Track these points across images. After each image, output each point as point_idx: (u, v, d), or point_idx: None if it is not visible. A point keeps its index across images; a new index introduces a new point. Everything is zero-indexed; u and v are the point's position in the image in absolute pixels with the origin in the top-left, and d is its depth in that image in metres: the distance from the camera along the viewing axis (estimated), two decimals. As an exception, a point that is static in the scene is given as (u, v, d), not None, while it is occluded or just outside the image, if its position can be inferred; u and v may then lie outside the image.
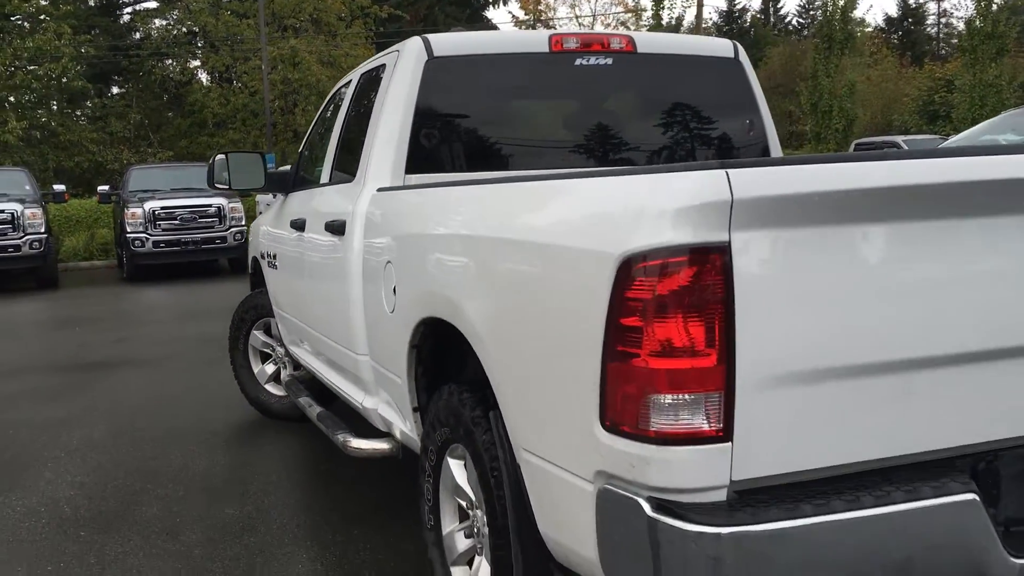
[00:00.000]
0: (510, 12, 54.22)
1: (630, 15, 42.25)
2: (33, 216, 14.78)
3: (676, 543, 1.88)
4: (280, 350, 5.72)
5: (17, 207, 14.69)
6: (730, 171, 1.84)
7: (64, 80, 27.19)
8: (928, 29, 59.23)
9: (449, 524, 2.97)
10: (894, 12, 58.89)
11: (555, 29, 4.62)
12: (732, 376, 1.88)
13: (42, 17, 28.27)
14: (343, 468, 4.87)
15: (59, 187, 16.95)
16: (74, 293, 14.71)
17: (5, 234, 14.56)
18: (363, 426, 3.98)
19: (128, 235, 15.07)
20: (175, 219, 15.20)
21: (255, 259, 5.96)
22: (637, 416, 1.92)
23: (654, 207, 1.90)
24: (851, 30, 26.74)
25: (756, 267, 1.88)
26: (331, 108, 4.85)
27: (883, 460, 2.03)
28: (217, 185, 5.01)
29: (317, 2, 32.43)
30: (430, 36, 3.86)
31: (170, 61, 33.38)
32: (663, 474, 1.91)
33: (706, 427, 1.89)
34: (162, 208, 15.17)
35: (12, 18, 27.37)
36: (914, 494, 1.96)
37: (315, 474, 4.93)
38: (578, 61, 3.99)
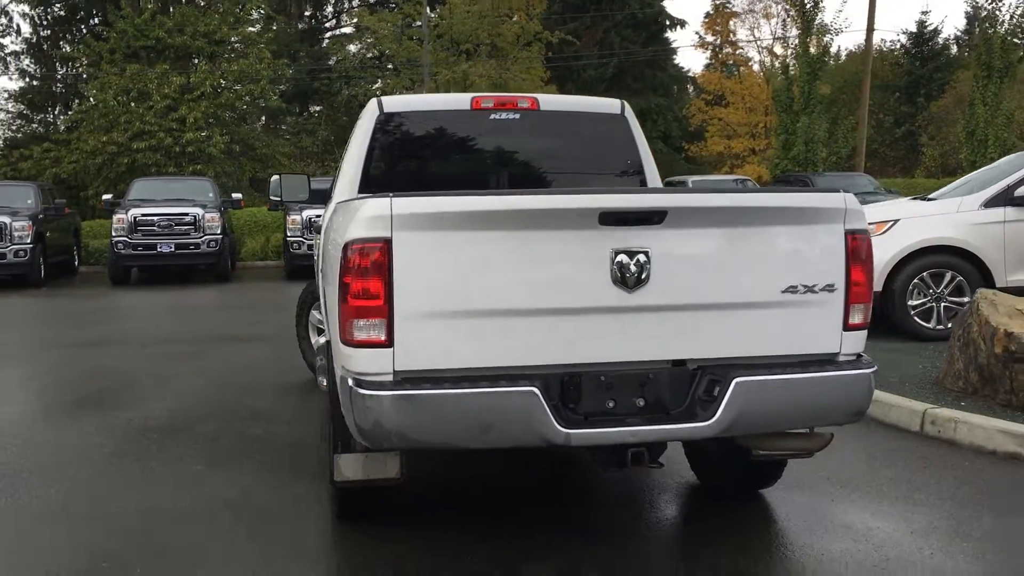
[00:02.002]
0: (696, 32, 54.61)
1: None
2: (212, 219, 17.48)
3: (363, 401, 3.45)
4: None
5: (199, 211, 17.45)
6: (393, 199, 3.41)
7: (261, 100, 30.70)
8: None
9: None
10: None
11: (478, 93, 6.36)
12: (392, 311, 3.43)
13: (234, 40, 31.78)
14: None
15: (236, 195, 19.72)
16: (240, 287, 17.31)
17: (188, 234, 17.32)
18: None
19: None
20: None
21: None
22: (349, 333, 3.51)
23: (358, 217, 3.49)
24: (1012, 59, 26.31)
25: (407, 252, 3.43)
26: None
27: (489, 368, 3.51)
28: (272, 198, 6.84)
29: (491, 28, 34.62)
30: (384, 98, 5.54)
31: (348, 87, 36.41)
32: (359, 365, 3.50)
33: (379, 339, 3.46)
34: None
35: (221, 44, 31.06)
36: (496, 384, 3.44)
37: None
38: (492, 116, 5.55)
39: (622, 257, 3.52)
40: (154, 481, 5.15)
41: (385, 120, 5.45)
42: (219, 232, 17.55)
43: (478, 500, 4.88)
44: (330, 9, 46.01)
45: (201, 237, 17.37)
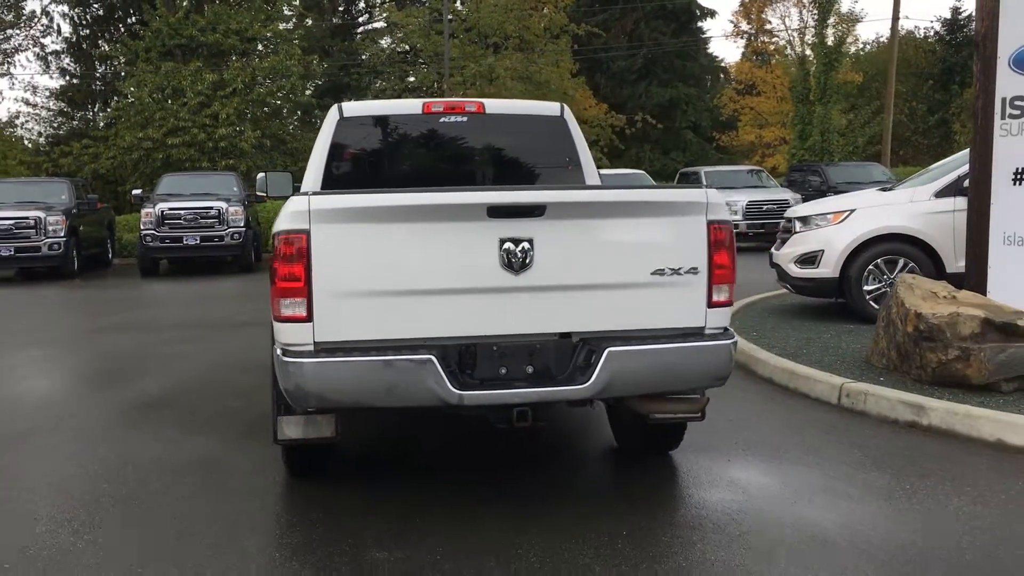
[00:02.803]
0: (730, 21, 54.43)
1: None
2: (235, 213, 18.28)
3: (286, 367, 4.10)
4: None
5: (223, 205, 18.27)
6: (311, 197, 4.06)
7: (292, 96, 31.59)
8: None
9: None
10: None
11: (433, 98, 7.08)
12: (311, 292, 4.07)
13: (269, 34, 32.65)
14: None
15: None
16: (262, 277, 18.05)
17: (212, 227, 18.15)
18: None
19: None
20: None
21: None
22: (277, 310, 4.15)
23: (283, 213, 4.14)
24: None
25: (324, 241, 4.06)
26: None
27: (394, 340, 4.14)
28: (259, 193, 7.52)
29: (519, 21, 35.14)
30: (344, 104, 6.19)
31: (379, 82, 37.19)
32: (285, 337, 4.15)
33: (300, 314, 4.10)
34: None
35: (253, 41, 31.96)
36: (399, 353, 4.07)
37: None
38: (442, 119, 6.18)
39: (508, 245, 4.12)
40: (136, 442, 5.85)
41: (345, 123, 6.10)
42: (242, 225, 18.33)
43: (413, 461, 5.53)
44: (362, 4, 46.82)
45: (225, 230, 18.18)
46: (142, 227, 18.24)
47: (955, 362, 6.22)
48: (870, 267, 9.01)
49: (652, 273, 4.27)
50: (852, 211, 9.19)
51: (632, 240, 4.28)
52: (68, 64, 37.74)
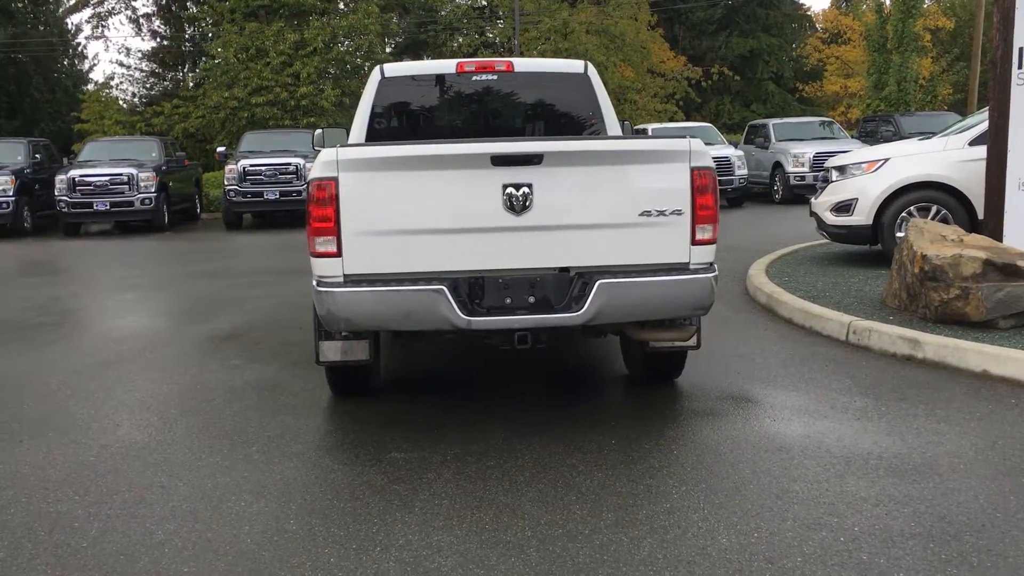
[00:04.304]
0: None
1: None
2: (311, 168, 19.15)
3: (320, 296, 4.79)
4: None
5: (300, 161, 19.17)
6: (339, 149, 4.71)
7: (371, 54, 32.37)
8: None
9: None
10: None
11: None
12: (340, 230, 4.73)
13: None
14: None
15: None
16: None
17: (291, 182, 19.10)
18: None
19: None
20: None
21: None
22: (313, 247, 4.83)
23: (315, 163, 4.80)
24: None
25: (350, 187, 4.71)
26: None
27: (411, 273, 4.77)
28: (316, 147, 8.22)
29: (594, -27, 35.16)
30: (385, 65, 6.81)
31: (457, 37, 37.71)
32: (320, 270, 4.83)
33: (332, 251, 4.77)
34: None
35: (333, 0, 32.76)
36: (416, 284, 4.71)
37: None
38: (474, 78, 6.76)
39: (510, 190, 4.70)
40: (205, 368, 6.66)
41: (385, 83, 6.72)
42: (319, 179, 19.18)
43: (438, 384, 6.21)
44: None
45: (302, 185, 19.08)
46: (226, 183, 19.28)
47: (955, 300, 6.60)
48: (903, 214, 9.31)
49: (640, 214, 4.80)
50: (886, 160, 9.48)
51: (622, 185, 4.82)
52: (159, 26, 39.18)
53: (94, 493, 4.31)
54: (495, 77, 6.77)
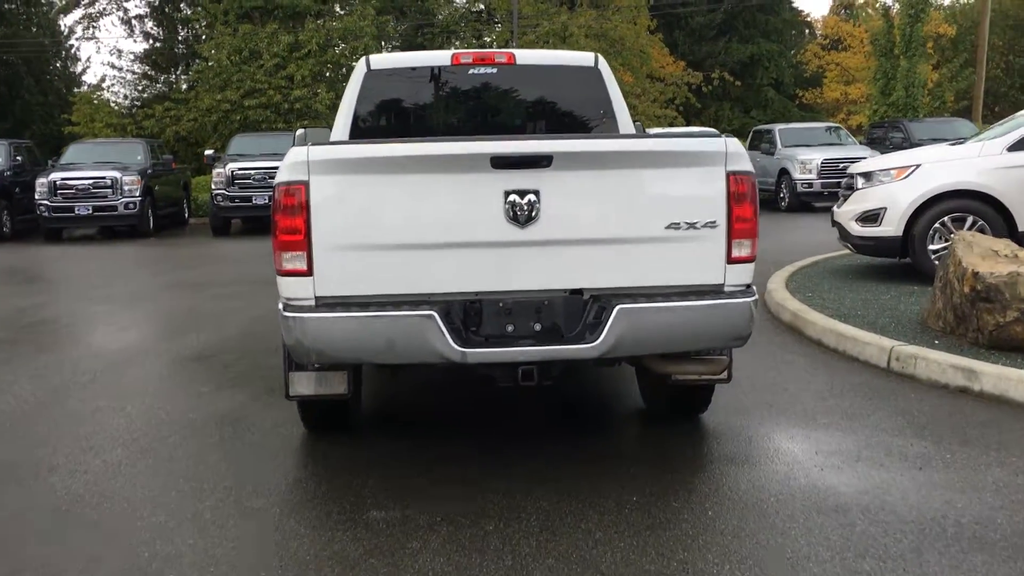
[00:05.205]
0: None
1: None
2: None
3: (286, 322, 4.02)
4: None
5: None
6: (310, 147, 3.94)
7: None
8: None
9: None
10: None
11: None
12: (311, 245, 3.97)
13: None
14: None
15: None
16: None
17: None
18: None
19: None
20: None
21: None
22: (279, 263, 4.07)
23: (283, 164, 4.04)
24: None
25: (323, 193, 3.95)
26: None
27: (395, 295, 4.02)
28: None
29: (593, -24, 34.55)
30: (371, 56, 6.05)
31: (453, 42, 37.00)
32: (287, 291, 4.07)
33: (301, 268, 4.00)
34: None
35: (328, 2, 32.04)
36: (400, 309, 3.95)
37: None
38: (471, 71, 6.00)
39: (514, 197, 3.95)
40: (166, 396, 5.89)
41: (372, 76, 5.96)
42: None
43: (427, 418, 5.44)
44: (438, -37, 46.48)
45: (291, 188, 18.31)
46: (213, 187, 18.51)
47: (1014, 324, 5.85)
48: (936, 225, 8.56)
49: (667, 227, 4.05)
50: (917, 166, 8.73)
51: (645, 192, 4.06)
52: (151, 28, 38.34)
53: None
54: (495, 70, 6.01)
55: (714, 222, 4.07)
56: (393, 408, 5.70)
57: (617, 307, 3.97)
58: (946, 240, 8.54)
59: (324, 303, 4.02)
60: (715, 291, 4.14)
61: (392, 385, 5.91)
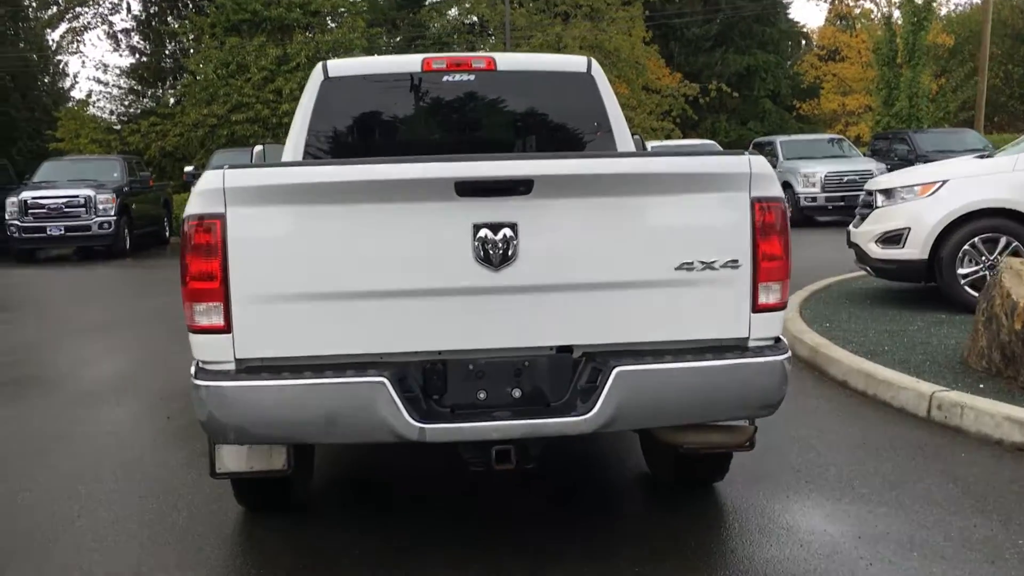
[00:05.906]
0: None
1: None
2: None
3: (196, 392, 3.20)
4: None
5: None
6: (226, 171, 3.12)
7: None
8: None
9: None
10: None
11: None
12: (228, 293, 3.15)
13: (341, 10, 32.04)
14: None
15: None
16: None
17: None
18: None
19: None
20: None
21: None
22: (192, 319, 3.24)
23: (196, 190, 3.21)
24: None
25: (244, 228, 3.13)
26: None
27: (337, 356, 3.19)
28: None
29: (587, -13, 33.96)
30: (329, 62, 5.23)
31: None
32: (199, 352, 3.24)
33: (217, 323, 3.18)
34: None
35: (317, 15, 31.31)
36: (342, 374, 3.13)
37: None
38: (445, 78, 5.18)
39: (485, 232, 3.14)
40: (82, 462, 5.06)
41: (329, 84, 5.14)
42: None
43: (401, 486, 4.60)
44: (431, -25, 45.82)
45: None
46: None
47: (1076, 368, 5.04)
48: (965, 247, 7.75)
49: (677, 268, 3.24)
50: (944, 182, 7.92)
51: (650, 224, 3.26)
52: (137, 42, 37.60)
53: None
54: (472, 77, 5.19)
55: (736, 261, 3.26)
56: (348, 476, 4.85)
57: (616, 369, 3.16)
58: (976, 263, 7.75)
59: (246, 368, 3.20)
60: (738, 347, 3.33)
61: (351, 448, 5.05)
